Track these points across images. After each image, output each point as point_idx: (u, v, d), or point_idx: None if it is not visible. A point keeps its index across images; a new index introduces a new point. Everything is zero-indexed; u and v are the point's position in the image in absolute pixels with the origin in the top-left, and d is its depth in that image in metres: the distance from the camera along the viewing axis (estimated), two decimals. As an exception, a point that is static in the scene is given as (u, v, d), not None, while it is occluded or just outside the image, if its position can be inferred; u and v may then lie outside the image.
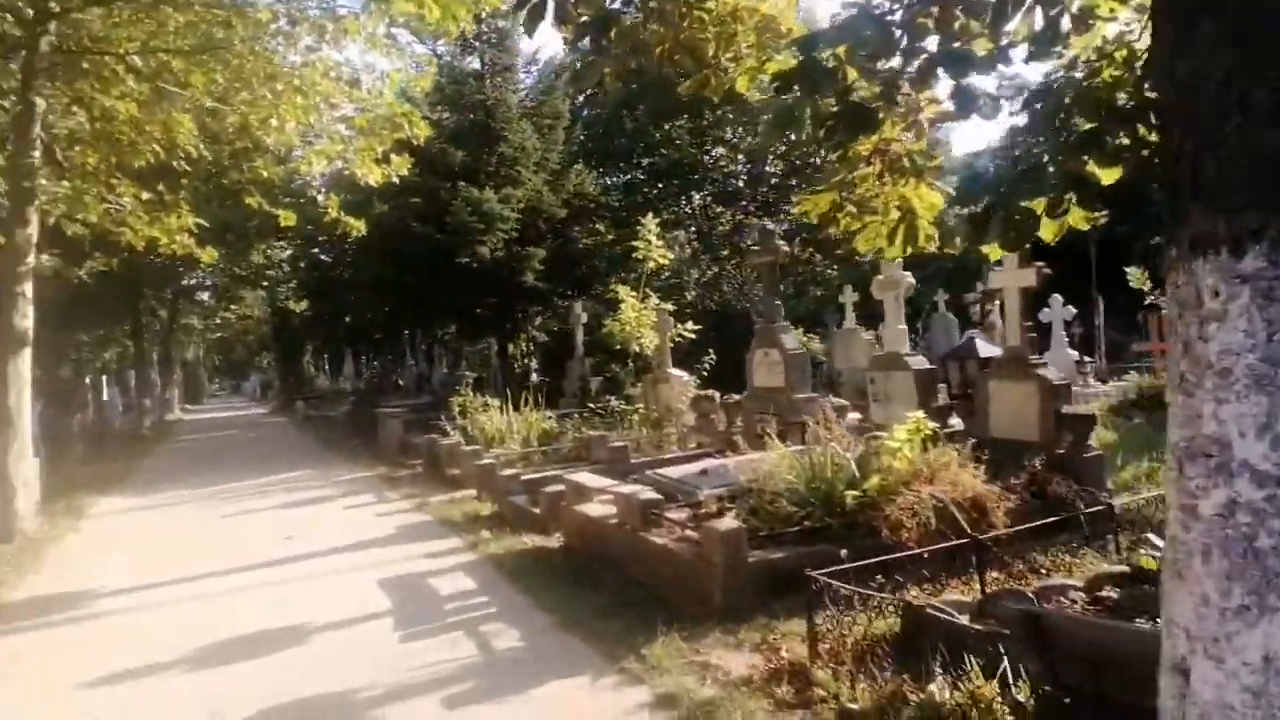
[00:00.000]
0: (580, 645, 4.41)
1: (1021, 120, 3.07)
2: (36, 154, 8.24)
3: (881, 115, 2.86)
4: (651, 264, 13.86)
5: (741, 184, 24.99)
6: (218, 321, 39.51)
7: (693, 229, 25.66)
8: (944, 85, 2.82)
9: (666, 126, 24.04)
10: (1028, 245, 3.68)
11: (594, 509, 6.35)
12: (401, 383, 26.46)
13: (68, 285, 14.19)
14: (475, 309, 21.01)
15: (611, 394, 14.32)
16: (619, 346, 14.77)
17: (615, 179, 23.99)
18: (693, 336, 13.64)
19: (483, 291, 19.74)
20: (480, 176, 19.17)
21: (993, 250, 3.17)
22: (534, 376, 21.27)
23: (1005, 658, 3.07)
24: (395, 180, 9.96)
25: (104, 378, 28.11)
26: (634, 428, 12.21)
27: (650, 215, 15.01)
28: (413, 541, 7.18)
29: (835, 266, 23.50)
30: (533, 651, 4.40)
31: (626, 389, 15.12)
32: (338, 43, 8.76)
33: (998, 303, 10.63)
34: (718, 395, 11.59)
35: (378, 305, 25.15)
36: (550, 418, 11.94)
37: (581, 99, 24.20)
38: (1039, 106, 2.93)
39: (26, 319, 8.39)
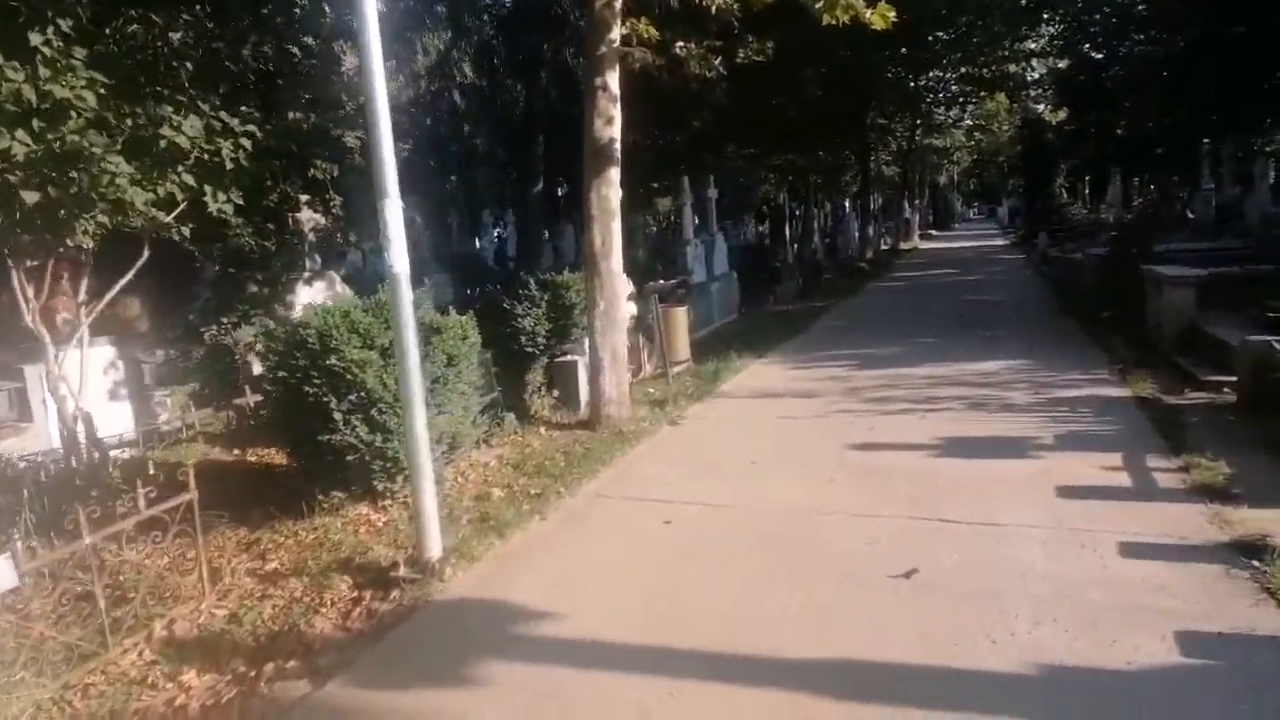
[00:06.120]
0: None
1: None
2: None
3: None
4: None
5: None
6: (961, 140, 36.01)
7: None
8: None
9: None
10: None
11: None
12: (1192, 214, 18.59)
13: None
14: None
15: None
16: None
17: None
18: None
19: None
20: None
21: None
22: None
23: None
24: None
25: (844, 205, 27.75)
26: None
27: None
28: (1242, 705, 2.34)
29: None
30: None
31: None
32: None
33: None
34: None
35: (1167, 104, 17.66)
36: None
37: None
38: None
39: (611, 125, 5.95)
